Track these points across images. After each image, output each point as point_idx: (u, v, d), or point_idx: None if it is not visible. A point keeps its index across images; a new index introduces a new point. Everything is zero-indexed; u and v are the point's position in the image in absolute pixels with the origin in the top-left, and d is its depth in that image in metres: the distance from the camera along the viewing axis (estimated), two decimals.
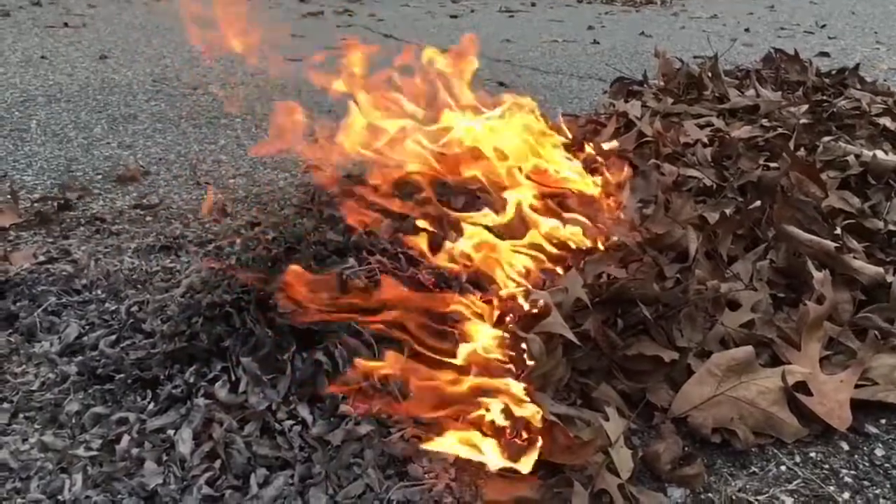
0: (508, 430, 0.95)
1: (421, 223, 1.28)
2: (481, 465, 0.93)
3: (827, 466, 0.99)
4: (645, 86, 2.49)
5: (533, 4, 6.06)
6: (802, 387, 1.08)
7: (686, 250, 1.35)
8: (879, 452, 1.02)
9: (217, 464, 0.93)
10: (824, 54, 3.93)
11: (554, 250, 1.29)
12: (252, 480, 0.90)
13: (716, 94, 2.29)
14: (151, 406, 1.02)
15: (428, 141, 1.43)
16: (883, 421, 1.08)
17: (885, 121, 2.04)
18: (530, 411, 0.95)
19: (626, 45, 4.33)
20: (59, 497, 0.89)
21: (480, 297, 1.16)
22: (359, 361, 1.00)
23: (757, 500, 0.92)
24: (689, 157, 1.77)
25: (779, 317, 1.22)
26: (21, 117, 2.42)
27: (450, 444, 0.92)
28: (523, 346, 1.05)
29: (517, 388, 0.97)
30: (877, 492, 0.95)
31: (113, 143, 2.23)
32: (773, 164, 1.70)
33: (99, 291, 1.33)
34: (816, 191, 1.53)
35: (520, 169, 1.45)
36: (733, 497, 0.93)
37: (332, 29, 4.62)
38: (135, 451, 0.94)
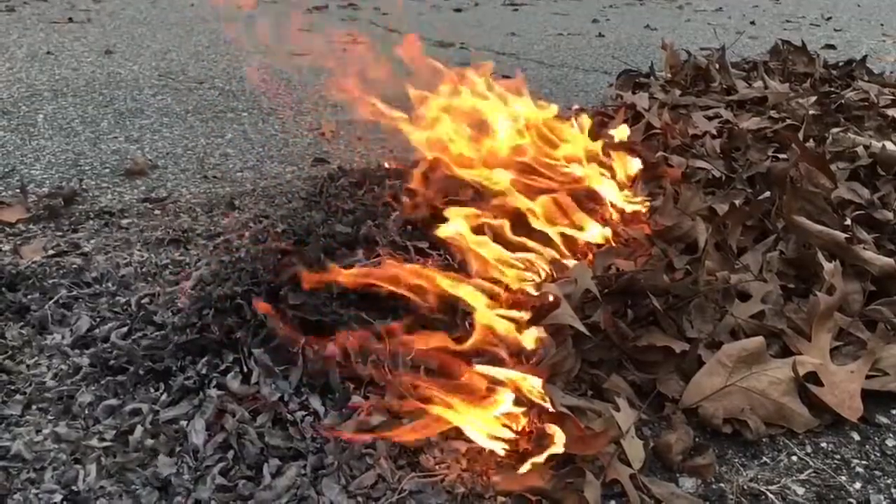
0: (524, 421, 0.95)
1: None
2: (492, 456, 0.94)
3: (838, 456, 0.99)
4: (652, 78, 2.49)
5: None
6: (813, 377, 1.07)
7: (695, 242, 1.35)
8: (890, 442, 1.02)
9: (230, 454, 0.93)
10: (830, 46, 3.92)
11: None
12: (265, 471, 0.91)
13: (723, 86, 2.29)
14: (164, 397, 1.02)
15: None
16: (894, 411, 1.08)
17: (894, 112, 2.04)
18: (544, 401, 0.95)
19: (632, 38, 4.32)
20: (74, 487, 0.89)
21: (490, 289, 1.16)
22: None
23: (768, 490, 0.92)
24: (697, 148, 1.77)
25: (789, 308, 1.22)
26: (28, 112, 2.43)
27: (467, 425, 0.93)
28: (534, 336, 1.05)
29: (532, 379, 0.97)
30: (888, 481, 0.95)
31: (120, 137, 2.23)
32: (782, 156, 1.70)
33: (109, 284, 1.33)
34: (826, 182, 1.52)
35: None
36: (745, 487, 0.93)
37: (336, 23, 4.62)
38: (148, 441, 0.95)
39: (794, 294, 1.27)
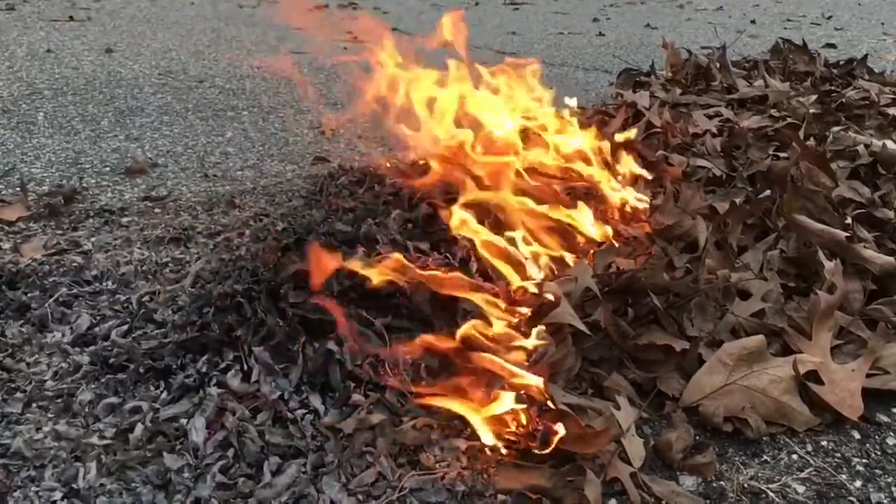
0: (525, 418, 0.95)
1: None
2: (493, 454, 0.94)
3: (839, 455, 0.99)
4: (652, 76, 2.49)
5: None
6: (814, 376, 1.07)
7: (696, 240, 1.35)
8: (891, 441, 1.02)
9: (230, 452, 0.93)
10: (831, 45, 3.92)
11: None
12: (265, 468, 0.91)
13: (724, 85, 2.29)
14: (164, 395, 1.02)
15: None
16: (894, 410, 1.08)
17: (894, 111, 2.03)
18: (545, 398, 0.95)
19: (632, 37, 4.31)
20: (74, 485, 0.89)
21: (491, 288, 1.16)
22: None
23: (769, 488, 0.92)
24: (698, 147, 1.77)
25: (789, 306, 1.22)
26: (28, 110, 2.43)
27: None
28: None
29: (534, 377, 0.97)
30: (889, 480, 0.95)
31: (120, 135, 2.23)
32: (782, 154, 1.69)
33: (109, 282, 1.33)
34: (826, 180, 1.52)
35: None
36: (745, 485, 0.93)
37: (337, 22, 4.61)
38: (148, 439, 0.95)
39: (794, 293, 1.27)
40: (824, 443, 1.01)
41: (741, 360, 1.07)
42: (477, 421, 0.94)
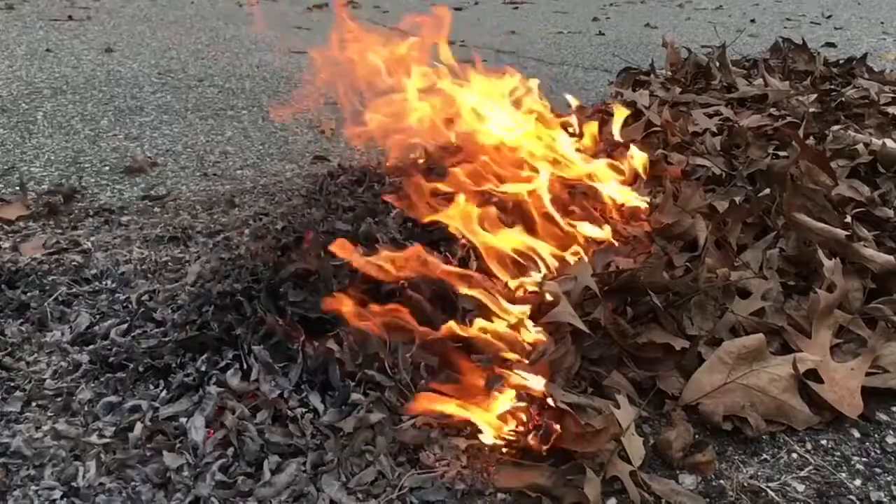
0: (524, 416, 0.95)
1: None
2: (493, 452, 0.94)
3: (838, 454, 0.99)
4: (652, 75, 2.49)
5: None
6: (813, 374, 1.07)
7: (695, 239, 1.35)
8: (891, 440, 1.02)
9: (230, 451, 0.93)
10: (831, 44, 3.91)
11: None
12: (265, 467, 0.91)
13: (724, 84, 2.29)
14: (164, 394, 1.02)
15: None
16: (894, 408, 1.08)
17: (894, 110, 2.03)
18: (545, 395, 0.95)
19: (632, 36, 4.31)
20: (73, 484, 0.89)
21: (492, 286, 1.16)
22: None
23: (769, 486, 0.92)
24: (697, 146, 1.77)
25: (789, 305, 1.22)
26: (27, 109, 2.43)
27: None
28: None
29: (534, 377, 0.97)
30: (888, 479, 0.95)
31: (120, 134, 2.23)
32: (782, 153, 1.69)
33: (109, 281, 1.33)
34: (826, 179, 1.52)
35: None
36: (745, 484, 0.93)
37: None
38: (148, 438, 0.94)
39: (794, 291, 1.27)
40: (824, 441, 1.01)
41: (741, 358, 1.07)
42: (476, 420, 0.94)
